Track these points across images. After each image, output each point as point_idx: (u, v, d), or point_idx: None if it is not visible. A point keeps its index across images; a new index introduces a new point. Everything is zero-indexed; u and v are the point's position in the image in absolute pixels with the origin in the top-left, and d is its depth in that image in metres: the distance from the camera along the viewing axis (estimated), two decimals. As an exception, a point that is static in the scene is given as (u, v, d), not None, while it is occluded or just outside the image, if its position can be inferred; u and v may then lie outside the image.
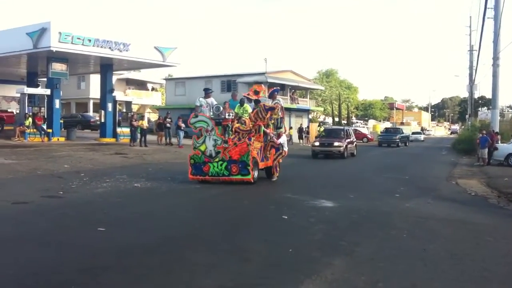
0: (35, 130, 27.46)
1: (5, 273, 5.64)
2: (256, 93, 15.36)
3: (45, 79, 30.98)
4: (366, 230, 8.47)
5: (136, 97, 45.62)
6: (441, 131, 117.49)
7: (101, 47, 27.63)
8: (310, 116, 55.83)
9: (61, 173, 15.33)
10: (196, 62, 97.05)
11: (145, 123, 29.78)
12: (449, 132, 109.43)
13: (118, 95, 35.45)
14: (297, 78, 51.48)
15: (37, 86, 33.06)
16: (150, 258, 6.41)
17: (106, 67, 31.55)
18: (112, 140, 30.69)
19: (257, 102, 15.12)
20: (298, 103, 50.88)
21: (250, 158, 13.36)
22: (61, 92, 29.93)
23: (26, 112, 28.04)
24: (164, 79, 58.13)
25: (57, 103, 29.02)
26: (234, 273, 5.84)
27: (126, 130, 29.72)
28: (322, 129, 38.32)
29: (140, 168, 17.73)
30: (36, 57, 28.69)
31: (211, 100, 15.15)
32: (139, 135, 28.48)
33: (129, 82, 56.36)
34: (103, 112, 31.45)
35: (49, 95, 28.59)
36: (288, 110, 45.98)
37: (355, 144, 30.20)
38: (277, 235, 8.00)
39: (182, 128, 30.45)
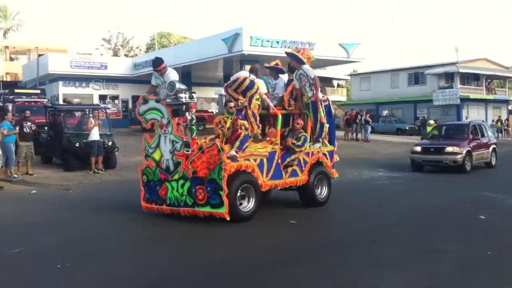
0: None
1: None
2: (295, 58, 9.88)
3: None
4: None
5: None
6: None
7: (288, 47, 28.66)
8: (510, 107, 50.92)
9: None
10: (381, 55, 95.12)
11: (331, 119, 30.16)
12: None
13: (305, 92, 36.32)
14: (492, 66, 47.30)
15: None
16: (339, 252, 6.59)
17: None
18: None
19: (292, 70, 10.07)
20: (495, 93, 46.79)
21: (224, 176, 7.86)
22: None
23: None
24: (348, 75, 58.14)
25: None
26: (426, 273, 5.69)
27: (313, 126, 30.42)
28: (432, 124, 27.59)
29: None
30: (230, 61, 30.88)
31: (170, 75, 8.87)
32: (325, 131, 28.94)
33: (315, 80, 57.41)
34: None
35: (243, 96, 30.54)
36: (484, 101, 42.64)
37: (493, 149, 18.26)
38: (473, 235, 7.57)
39: (369, 122, 30.33)
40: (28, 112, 15.43)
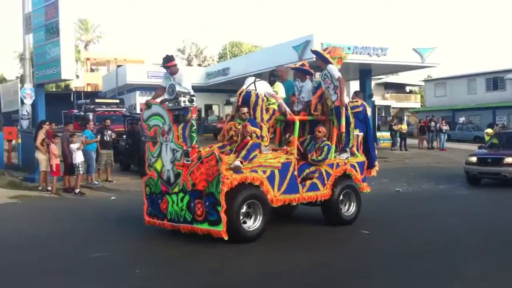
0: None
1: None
2: (320, 57, 8.96)
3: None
4: None
5: (394, 101, 45.40)
6: None
7: (360, 53, 28.32)
8: None
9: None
10: (457, 60, 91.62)
11: (404, 127, 29.48)
12: None
13: (377, 99, 35.82)
14: None
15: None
16: (414, 263, 6.43)
17: (365, 72, 32.20)
18: (372, 144, 31.06)
19: (321, 71, 9.11)
20: None
21: (222, 189, 7.01)
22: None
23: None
24: (423, 80, 56.51)
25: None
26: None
27: (386, 134, 29.85)
28: (489, 133, 23.07)
29: (401, 172, 17.63)
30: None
31: (181, 77, 8.13)
32: (398, 139, 28.34)
33: (388, 86, 56.32)
34: (362, 117, 32.12)
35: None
36: None
37: None
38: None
39: (444, 130, 29.29)
40: (108, 121, 16.16)
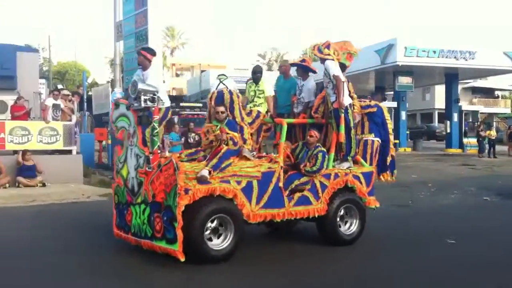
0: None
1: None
2: (319, 51, 7.76)
3: (392, 93, 32.48)
4: None
5: (482, 106, 43.45)
6: None
7: (446, 57, 27.44)
8: None
9: (409, 182, 15.76)
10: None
11: (493, 133, 28.13)
12: None
13: (464, 104, 34.46)
14: None
15: (384, 100, 34.89)
16: (502, 274, 6.17)
17: (451, 77, 31.11)
18: (459, 151, 30.03)
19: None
20: None
21: (178, 202, 6.04)
22: (407, 104, 30.94)
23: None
24: (513, 84, 53.63)
25: (403, 115, 30.12)
26: None
27: (473, 140, 28.68)
28: None
29: (489, 181, 16.81)
30: (383, 72, 30.37)
31: (148, 75, 7.24)
32: (487, 146, 27.10)
33: (475, 91, 53.97)
34: (448, 122, 31.09)
35: (396, 108, 29.86)
36: None
37: None
38: None
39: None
40: (192, 124, 16.71)
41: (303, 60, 8.26)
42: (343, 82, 7.44)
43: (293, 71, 8.74)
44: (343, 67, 7.76)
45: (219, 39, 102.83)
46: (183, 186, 6.04)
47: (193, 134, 16.02)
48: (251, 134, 7.53)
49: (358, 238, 7.49)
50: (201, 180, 6.18)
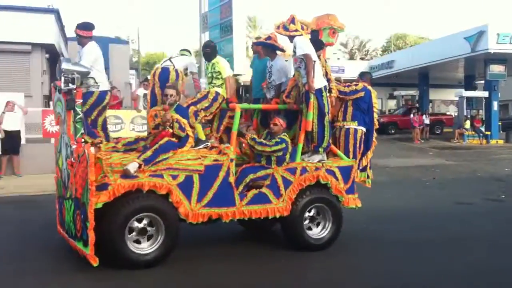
0: (473, 132, 27.77)
1: (452, 268, 6.10)
2: (284, 28, 6.69)
3: (483, 82, 30.95)
4: None
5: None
6: None
7: (544, 43, 25.70)
8: None
9: (502, 176, 15.08)
10: None
11: None
12: None
13: None
14: None
15: (474, 89, 33.41)
16: None
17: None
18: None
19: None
20: None
21: (90, 200, 5.28)
22: (499, 94, 29.36)
23: (465, 114, 28.77)
24: None
25: (495, 105, 28.61)
26: None
27: None
28: None
29: None
30: (473, 60, 28.97)
31: (83, 53, 6.51)
32: None
33: None
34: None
35: (487, 97, 28.47)
36: None
37: None
38: None
39: None
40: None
41: (269, 38, 7.17)
42: (314, 61, 6.41)
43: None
44: (318, 44, 6.82)
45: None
46: (93, 181, 5.27)
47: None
48: (211, 120, 6.95)
49: (331, 243, 6.56)
50: (126, 174, 5.47)
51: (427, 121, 27.72)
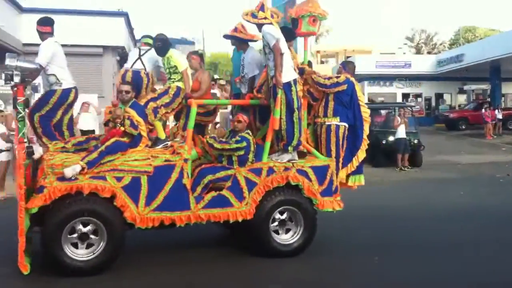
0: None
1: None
2: (252, 16, 6.22)
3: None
4: None
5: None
6: None
7: None
8: None
9: None
10: None
11: None
12: None
13: None
14: None
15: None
16: None
17: None
18: None
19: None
20: None
21: (19, 204, 5.11)
22: None
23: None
24: None
25: None
26: None
27: None
28: None
29: None
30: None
31: (40, 48, 6.11)
32: None
33: None
34: None
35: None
36: None
37: None
38: None
39: None
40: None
41: (235, 29, 6.66)
42: (283, 53, 5.88)
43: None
44: (288, 34, 6.39)
45: (364, 23, 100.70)
46: (21, 184, 5.05)
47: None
48: (178, 117, 6.68)
49: (302, 249, 6.06)
50: (65, 176, 5.20)
51: (499, 116, 26.66)
